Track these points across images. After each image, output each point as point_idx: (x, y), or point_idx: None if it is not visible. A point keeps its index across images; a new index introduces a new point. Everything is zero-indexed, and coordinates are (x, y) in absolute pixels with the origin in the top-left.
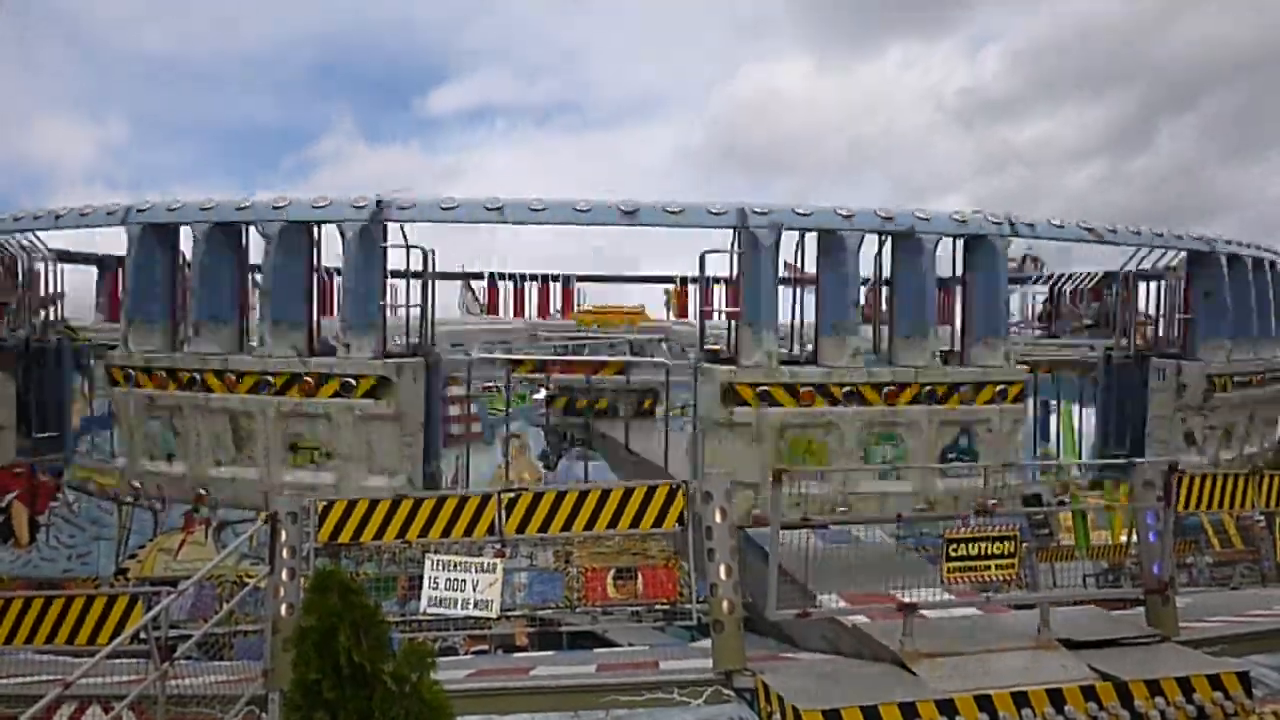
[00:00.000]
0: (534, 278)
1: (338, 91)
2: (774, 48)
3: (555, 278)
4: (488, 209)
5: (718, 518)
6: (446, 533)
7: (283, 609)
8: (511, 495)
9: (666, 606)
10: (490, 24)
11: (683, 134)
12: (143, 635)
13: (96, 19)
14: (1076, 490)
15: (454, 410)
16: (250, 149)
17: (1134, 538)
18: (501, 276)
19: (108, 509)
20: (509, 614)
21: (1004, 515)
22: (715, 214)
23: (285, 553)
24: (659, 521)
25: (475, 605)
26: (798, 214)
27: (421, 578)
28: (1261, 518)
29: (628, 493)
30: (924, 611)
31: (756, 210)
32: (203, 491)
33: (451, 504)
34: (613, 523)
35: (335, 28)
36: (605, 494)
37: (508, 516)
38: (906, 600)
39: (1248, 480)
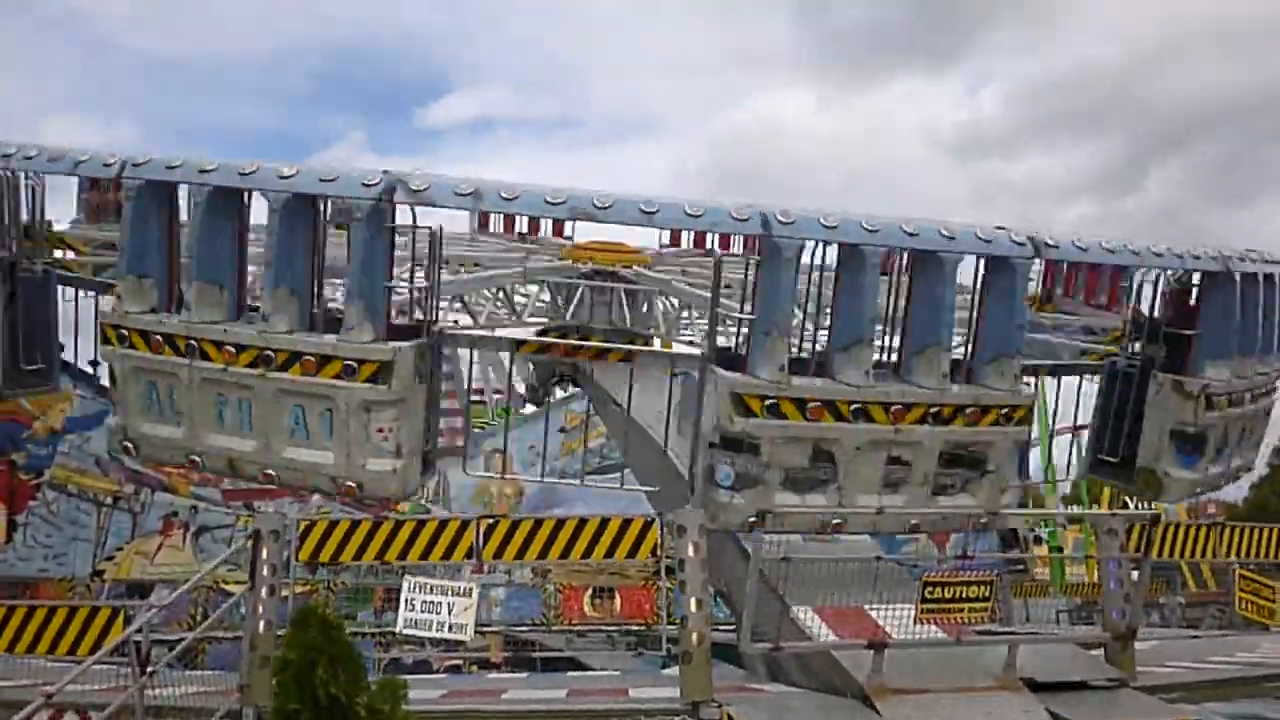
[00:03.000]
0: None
1: (342, 101)
2: (777, 78)
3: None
4: (504, 197)
5: (690, 551)
6: (425, 555)
7: (260, 625)
8: (490, 521)
9: (642, 629)
10: (493, 39)
11: (682, 155)
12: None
13: (103, 22)
14: (1057, 528)
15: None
16: (257, 155)
17: None
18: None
19: (87, 510)
20: (485, 629)
21: (982, 557)
22: (738, 219)
23: (266, 570)
24: (633, 553)
25: (450, 629)
26: (823, 225)
27: (397, 589)
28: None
29: (603, 524)
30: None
31: (780, 219)
32: (195, 458)
33: (431, 527)
34: (587, 552)
35: (338, 36)
36: (582, 524)
37: (485, 541)
38: (879, 627)
39: (1209, 531)
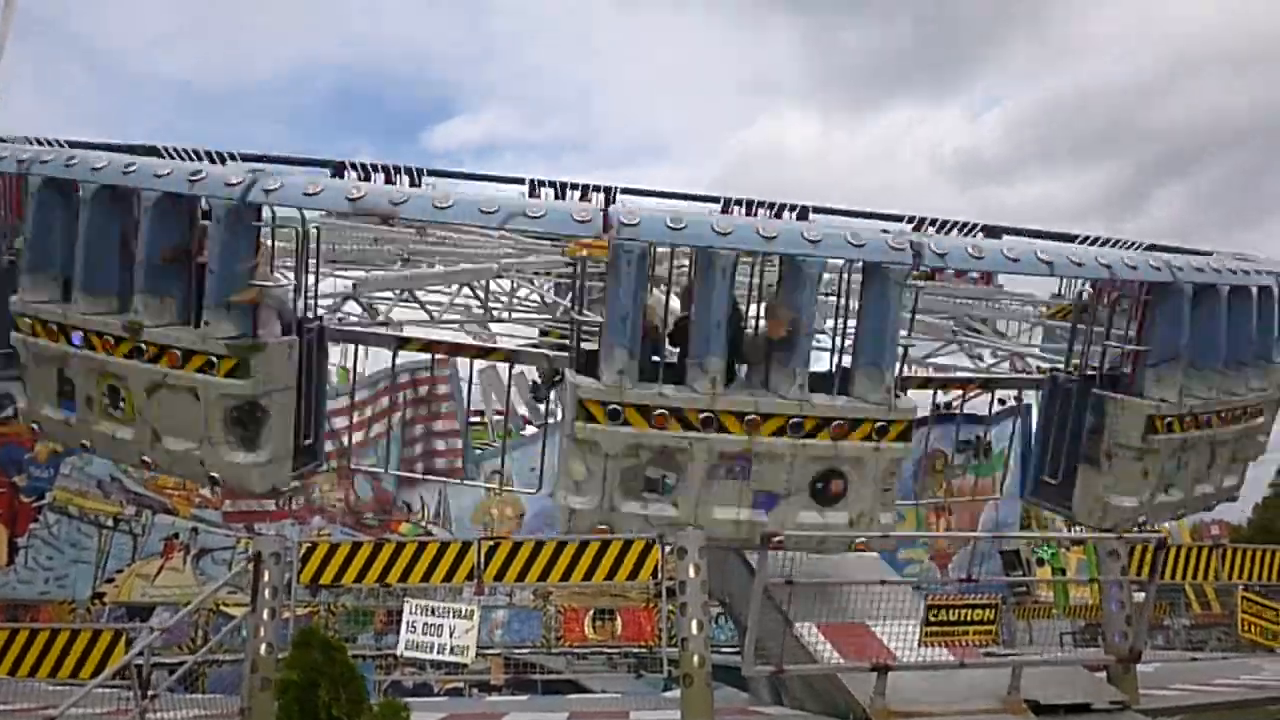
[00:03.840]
0: (574, 187)
1: (352, 123)
2: (783, 105)
3: (598, 189)
4: (393, 202)
5: (691, 573)
6: (426, 577)
7: (262, 648)
8: (491, 544)
9: (644, 651)
10: (502, 63)
11: (689, 179)
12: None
13: (113, 44)
14: (1059, 549)
15: (440, 445)
16: None
17: None
18: (542, 184)
19: (88, 533)
20: (486, 651)
21: (988, 580)
22: (580, 220)
23: (267, 593)
24: (633, 574)
25: (451, 651)
26: (669, 227)
27: (398, 611)
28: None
29: (604, 546)
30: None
31: (624, 220)
32: (85, 443)
33: (432, 549)
34: (588, 574)
35: (348, 59)
36: (583, 545)
37: (486, 563)
38: (883, 645)
39: (1211, 553)
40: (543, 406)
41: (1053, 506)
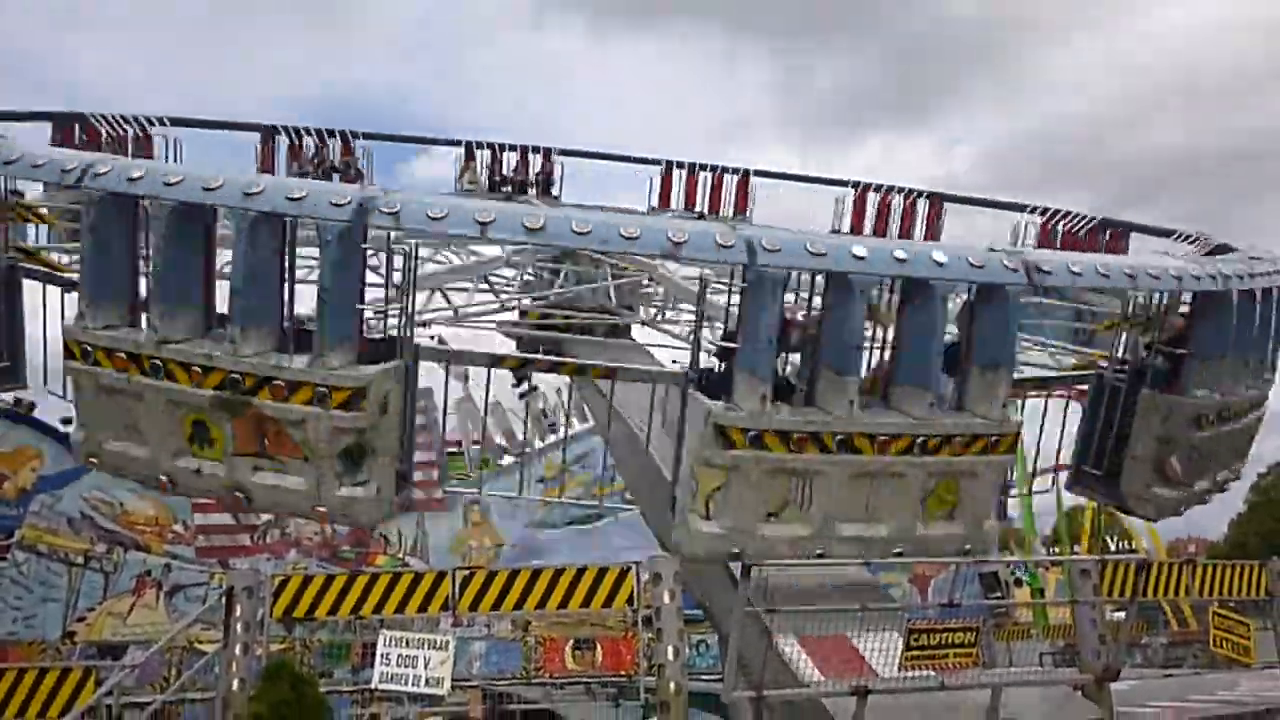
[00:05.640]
0: (511, 149)
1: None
2: (761, 139)
3: (536, 150)
4: (528, 228)
5: (666, 599)
6: (401, 609)
7: (234, 684)
8: (466, 573)
9: (624, 680)
10: (479, 102)
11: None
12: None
13: (93, 88)
14: (1036, 570)
15: (417, 475)
16: None
17: None
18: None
19: (58, 571)
20: (464, 684)
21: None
22: (723, 245)
23: (240, 628)
24: (609, 601)
25: (426, 683)
26: (810, 253)
27: (375, 644)
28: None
29: (579, 573)
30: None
31: (765, 246)
32: (163, 478)
33: (406, 580)
34: (564, 602)
35: (328, 96)
36: (558, 573)
37: (462, 594)
38: (864, 662)
39: (1182, 569)
40: (520, 434)
41: (1098, 495)
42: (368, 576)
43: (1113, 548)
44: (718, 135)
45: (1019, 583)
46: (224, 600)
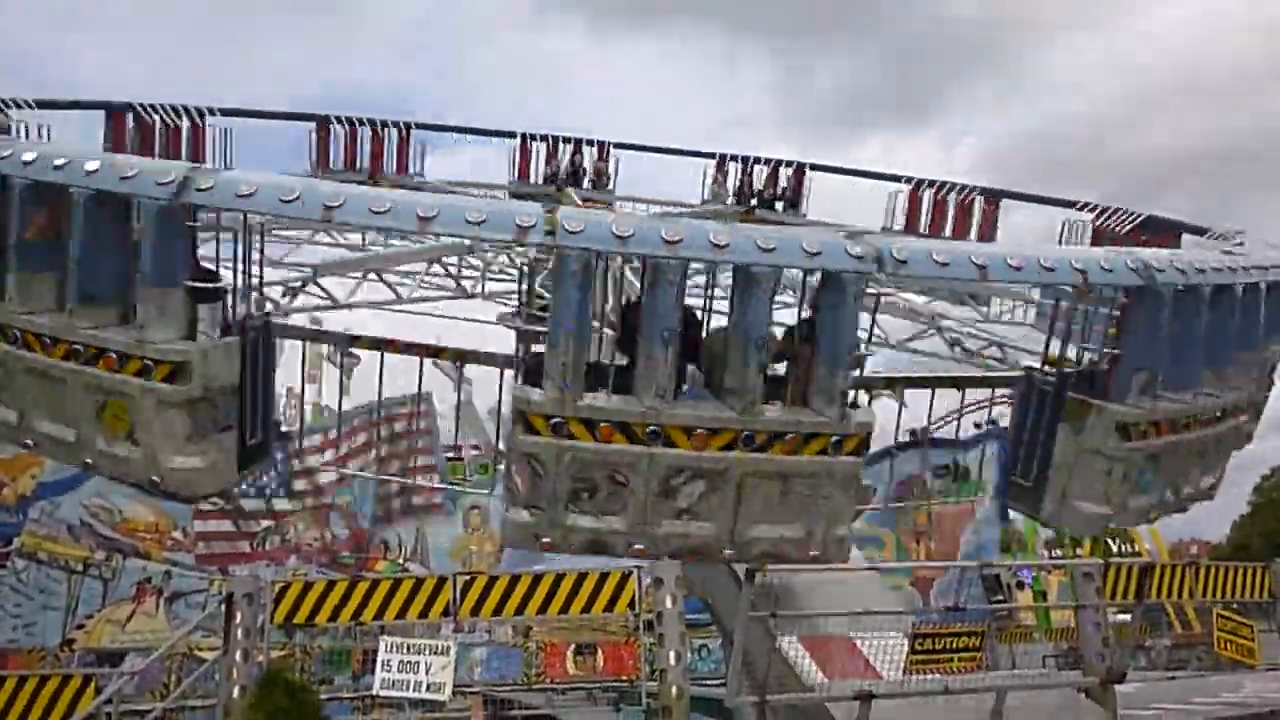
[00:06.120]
0: (567, 141)
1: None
2: (763, 138)
3: (591, 143)
4: (282, 200)
5: (668, 604)
6: (402, 614)
7: (234, 691)
8: (466, 578)
9: (625, 685)
10: (479, 102)
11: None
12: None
13: (93, 88)
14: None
15: (421, 479)
16: None
17: None
18: (532, 138)
19: (57, 578)
20: (465, 690)
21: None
22: (523, 226)
23: (240, 634)
24: (610, 606)
25: (427, 689)
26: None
27: (376, 651)
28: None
29: (580, 578)
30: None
31: (568, 227)
32: (29, 441)
33: (407, 586)
34: (565, 608)
35: (331, 97)
36: (559, 579)
37: (463, 599)
38: (868, 663)
39: (1185, 571)
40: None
41: (1023, 509)
42: (368, 582)
43: (1115, 550)
44: (718, 135)
45: (1021, 585)
46: (224, 607)
